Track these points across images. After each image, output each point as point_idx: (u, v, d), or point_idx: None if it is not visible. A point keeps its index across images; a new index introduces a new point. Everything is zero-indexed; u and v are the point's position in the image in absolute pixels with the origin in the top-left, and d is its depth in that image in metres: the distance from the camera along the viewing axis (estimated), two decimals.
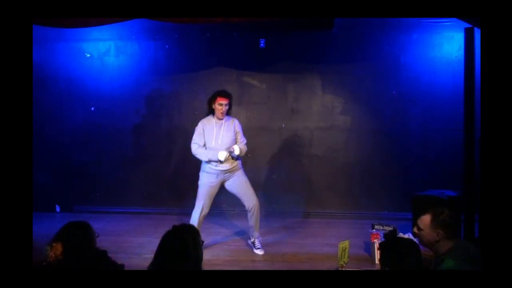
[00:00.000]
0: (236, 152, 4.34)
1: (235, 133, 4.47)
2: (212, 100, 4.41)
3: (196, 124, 4.48)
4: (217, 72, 5.97)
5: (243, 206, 4.51)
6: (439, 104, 5.63)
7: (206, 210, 4.46)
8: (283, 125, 5.98)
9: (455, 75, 5.33)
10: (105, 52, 6.25)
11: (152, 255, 2.24)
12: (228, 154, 4.30)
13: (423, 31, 5.68)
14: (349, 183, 5.87)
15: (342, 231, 5.17)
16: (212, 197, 4.50)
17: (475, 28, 4.14)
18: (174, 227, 2.32)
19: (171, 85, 6.15)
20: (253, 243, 4.59)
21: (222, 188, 4.56)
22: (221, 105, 4.34)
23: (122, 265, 2.62)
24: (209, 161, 4.38)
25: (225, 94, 4.40)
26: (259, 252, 4.51)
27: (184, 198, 6.16)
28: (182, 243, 2.22)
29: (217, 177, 4.43)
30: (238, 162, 4.49)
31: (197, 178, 6.02)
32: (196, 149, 4.41)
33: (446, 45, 5.64)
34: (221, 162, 4.32)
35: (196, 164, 6.05)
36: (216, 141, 4.36)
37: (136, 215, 6.02)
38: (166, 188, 6.19)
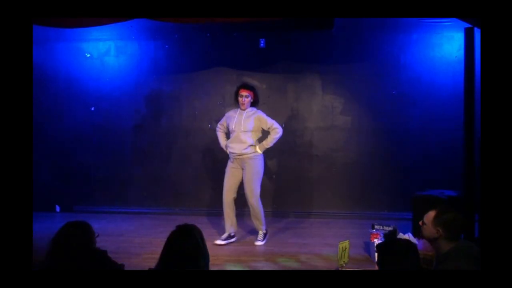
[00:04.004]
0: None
1: (258, 122, 4.68)
2: (236, 92, 4.76)
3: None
4: (217, 72, 5.98)
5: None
6: (439, 104, 5.64)
7: (230, 194, 4.71)
8: (283, 125, 5.97)
9: (455, 75, 5.33)
10: (105, 52, 6.25)
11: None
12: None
13: (423, 31, 5.68)
14: (349, 183, 5.87)
15: (342, 231, 5.17)
16: (234, 181, 4.73)
17: (475, 28, 4.14)
18: (180, 227, 2.31)
19: (171, 85, 6.15)
20: (258, 234, 4.80)
21: None
22: (241, 96, 4.67)
23: (122, 265, 2.62)
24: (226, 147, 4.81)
25: (246, 86, 4.76)
26: (257, 243, 4.72)
27: (184, 198, 6.18)
28: (194, 242, 2.21)
29: (233, 162, 4.73)
30: (252, 152, 4.64)
31: (196, 178, 6.12)
32: (218, 132, 4.92)
33: (446, 45, 5.64)
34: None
35: (196, 164, 6.11)
36: (236, 125, 4.67)
37: (136, 215, 6.02)
38: (166, 188, 6.19)
